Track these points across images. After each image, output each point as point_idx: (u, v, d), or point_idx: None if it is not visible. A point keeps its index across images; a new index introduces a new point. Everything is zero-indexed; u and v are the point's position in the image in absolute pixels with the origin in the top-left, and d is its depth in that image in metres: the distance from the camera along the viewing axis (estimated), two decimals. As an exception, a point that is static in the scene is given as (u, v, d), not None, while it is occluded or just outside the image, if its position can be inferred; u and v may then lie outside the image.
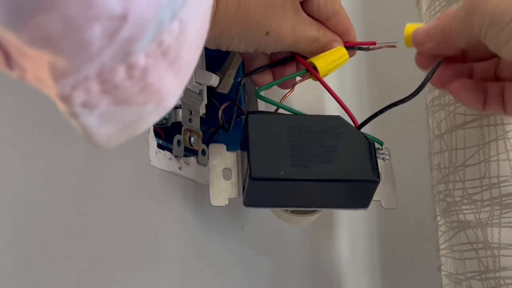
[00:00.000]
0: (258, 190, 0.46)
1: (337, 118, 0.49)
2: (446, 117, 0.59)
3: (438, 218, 0.62)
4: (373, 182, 0.47)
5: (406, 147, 0.78)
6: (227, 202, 0.48)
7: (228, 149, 0.51)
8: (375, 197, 0.49)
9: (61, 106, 0.26)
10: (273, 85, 0.53)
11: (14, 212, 0.38)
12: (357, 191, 0.48)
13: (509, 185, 0.55)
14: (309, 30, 0.51)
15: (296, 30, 0.50)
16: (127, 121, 0.28)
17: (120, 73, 0.25)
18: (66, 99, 0.25)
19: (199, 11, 0.27)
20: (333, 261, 0.76)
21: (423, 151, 0.66)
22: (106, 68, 0.25)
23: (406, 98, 0.50)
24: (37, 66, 0.25)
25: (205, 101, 0.55)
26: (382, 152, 0.51)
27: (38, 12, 0.22)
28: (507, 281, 0.55)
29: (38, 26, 0.23)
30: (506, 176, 0.55)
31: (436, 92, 0.62)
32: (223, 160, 0.49)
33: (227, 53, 0.55)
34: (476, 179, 0.57)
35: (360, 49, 0.54)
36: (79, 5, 0.22)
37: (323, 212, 0.54)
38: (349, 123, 0.49)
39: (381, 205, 0.50)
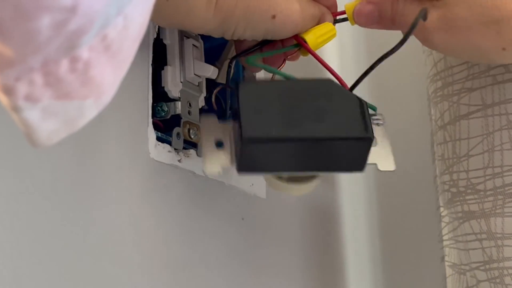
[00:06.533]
0: (251, 154, 0.46)
1: (328, 81, 0.48)
2: (450, 108, 0.59)
3: (442, 209, 0.62)
4: (366, 139, 0.46)
5: (408, 138, 0.78)
6: (220, 170, 0.47)
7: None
8: (370, 161, 0.47)
9: (3, 99, 0.26)
10: (264, 67, 0.52)
11: (12, 210, 0.38)
12: (351, 150, 0.47)
13: (512, 175, 0.55)
14: (312, 8, 0.50)
15: (304, 10, 0.49)
16: (68, 116, 0.28)
17: (64, 65, 0.25)
18: (9, 90, 0.25)
19: (142, 7, 0.27)
20: (334, 254, 0.76)
21: (426, 142, 0.66)
22: (50, 60, 0.25)
23: (395, 47, 0.48)
24: None
25: (204, 93, 0.55)
26: (376, 117, 0.50)
27: None
28: (510, 271, 0.55)
29: None
30: (509, 165, 0.56)
31: (439, 83, 0.62)
32: (215, 130, 0.49)
33: (225, 44, 0.55)
34: (479, 169, 0.57)
35: (344, 20, 0.53)
36: None
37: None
38: (341, 85, 0.48)
39: (377, 168, 0.49)
